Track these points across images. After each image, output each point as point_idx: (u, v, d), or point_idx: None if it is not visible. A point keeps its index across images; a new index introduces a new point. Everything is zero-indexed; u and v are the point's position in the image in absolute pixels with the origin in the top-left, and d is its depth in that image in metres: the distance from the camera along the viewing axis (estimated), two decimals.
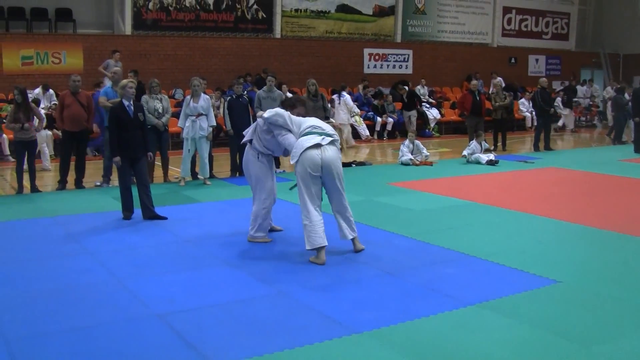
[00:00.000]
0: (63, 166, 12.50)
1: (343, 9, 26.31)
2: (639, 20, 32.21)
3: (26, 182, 12.20)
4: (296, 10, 25.34)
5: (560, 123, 26.32)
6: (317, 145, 7.51)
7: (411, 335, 5.29)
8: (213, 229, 9.13)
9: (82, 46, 21.16)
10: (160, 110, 12.93)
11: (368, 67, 26.81)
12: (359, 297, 6.21)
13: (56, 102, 16.01)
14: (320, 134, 7.63)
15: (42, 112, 15.56)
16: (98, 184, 12.89)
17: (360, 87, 24.72)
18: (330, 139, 7.65)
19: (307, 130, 7.69)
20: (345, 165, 15.29)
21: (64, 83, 17.46)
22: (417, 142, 15.94)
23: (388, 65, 27.35)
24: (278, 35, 24.96)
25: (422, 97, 25.55)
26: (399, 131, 22.97)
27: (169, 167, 13.54)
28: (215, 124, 13.26)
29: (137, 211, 9.95)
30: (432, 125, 23.94)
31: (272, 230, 8.81)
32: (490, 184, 13.09)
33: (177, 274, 7.05)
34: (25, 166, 12.16)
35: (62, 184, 12.48)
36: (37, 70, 20.44)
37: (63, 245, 8.31)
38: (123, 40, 21.93)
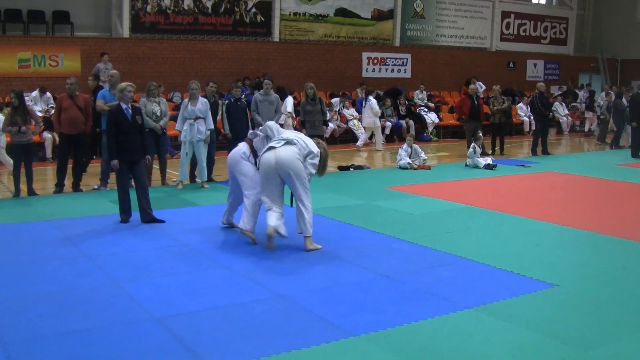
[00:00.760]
0: (60, 169, 12.47)
1: (342, 12, 26.32)
2: (638, 26, 32.32)
3: (23, 185, 12.18)
4: (295, 14, 25.34)
5: (586, 128, 26.44)
6: (271, 148, 8.19)
7: (409, 339, 5.29)
8: (211, 232, 9.13)
9: (80, 49, 21.13)
10: (158, 114, 12.93)
11: (367, 71, 26.81)
12: (357, 300, 6.21)
13: (53, 105, 16.00)
14: (281, 140, 8.27)
15: (39, 115, 15.53)
16: (96, 187, 12.88)
17: (359, 90, 24.72)
18: (284, 142, 8.22)
19: (276, 139, 8.35)
20: (343, 169, 15.43)
21: (62, 86, 17.40)
22: (415, 146, 15.94)
23: (387, 70, 27.35)
24: (277, 39, 24.96)
25: (420, 101, 25.59)
26: (397, 135, 22.98)
27: (167, 170, 13.53)
28: (213, 127, 13.24)
29: (135, 214, 9.94)
30: (430, 129, 23.96)
31: (231, 225, 9.29)
32: (488, 188, 13.11)
33: (175, 277, 7.05)
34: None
35: (59, 187, 12.46)
36: (35, 73, 20.40)
37: (61, 249, 8.30)
38: (121, 44, 21.93)
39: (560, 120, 26.67)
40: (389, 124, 22.72)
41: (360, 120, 22.24)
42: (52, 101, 18.40)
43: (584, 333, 5.41)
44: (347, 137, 22.34)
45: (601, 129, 23.70)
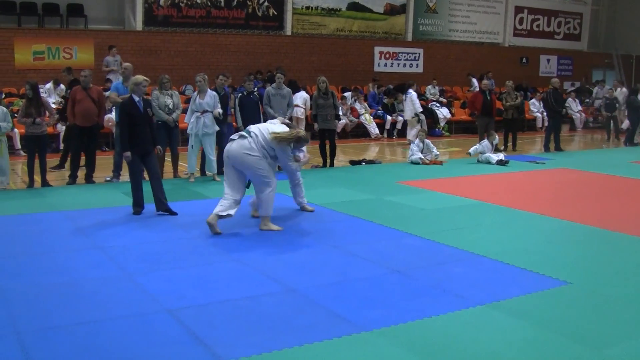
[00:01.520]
0: (74, 161, 12.52)
1: (354, 7, 26.31)
2: None
3: (37, 176, 12.24)
4: (307, 8, 25.34)
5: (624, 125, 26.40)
6: (230, 140, 8.92)
7: (420, 334, 5.29)
8: (222, 225, 9.12)
9: (93, 42, 21.21)
10: (170, 106, 12.95)
11: (378, 66, 26.80)
12: (368, 295, 6.21)
13: (65, 96, 16.05)
14: (239, 134, 8.95)
15: (53, 106, 15.58)
16: (108, 179, 12.92)
17: (371, 85, 24.70)
18: (242, 134, 8.83)
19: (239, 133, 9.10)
20: (354, 163, 15.43)
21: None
22: (427, 141, 15.92)
23: (399, 64, 27.33)
24: (289, 33, 24.97)
25: (432, 96, 25.55)
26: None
27: (179, 162, 13.56)
28: (221, 111, 13.17)
29: (148, 206, 9.98)
30: (442, 124, 23.93)
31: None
32: (500, 184, 13.07)
33: (186, 270, 7.06)
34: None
35: (72, 178, 12.51)
36: (49, 65, 20.49)
37: (73, 240, 8.34)
38: (134, 36, 21.99)
39: (574, 116, 26.57)
40: (400, 118, 22.68)
41: (372, 115, 22.26)
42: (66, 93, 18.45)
43: (597, 331, 5.39)
44: (358, 131, 22.35)
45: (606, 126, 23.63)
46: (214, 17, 23.47)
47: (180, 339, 5.17)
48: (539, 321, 5.57)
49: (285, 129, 8.96)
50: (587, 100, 28.75)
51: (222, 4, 23.54)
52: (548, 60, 31.87)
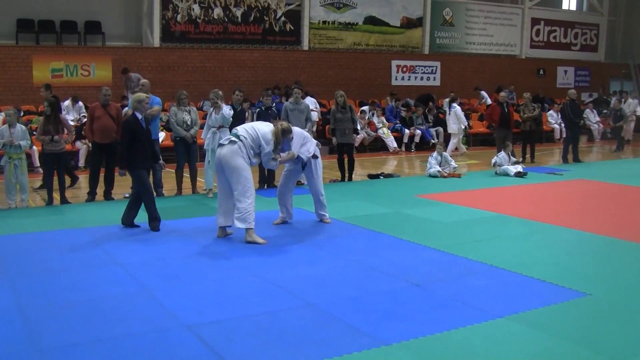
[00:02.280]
0: (93, 178, 12.58)
1: (371, 20, 26.38)
2: None
3: (56, 194, 12.30)
4: (324, 22, 25.42)
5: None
6: (220, 145, 9.14)
7: (440, 347, 5.27)
8: (241, 240, 9.14)
9: (111, 58, 21.37)
10: (188, 122, 13.01)
11: (396, 79, 26.83)
12: (387, 309, 6.20)
13: (85, 114, 16.16)
14: (229, 138, 9.10)
15: (72, 123, 15.70)
16: (127, 195, 12.95)
17: (388, 99, 24.71)
18: (232, 139, 8.96)
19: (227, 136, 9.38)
20: (373, 177, 15.43)
21: (93, 95, 17.66)
22: (445, 154, 15.90)
23: (416, 77, 27.35)
24: (306, 47, 25.04)
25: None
26: (427, 143, 22.95)
27: (197, 178, 13.59)
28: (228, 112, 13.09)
29: (165, 222, 10.01)
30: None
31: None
32: (518, 196, 13.02)
33: (205, 285, 7.07)
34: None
35: (91, 195, 12.57)
36: (67, 82, 20.65)
37: (92, 257, 8.37)
38: (151, 53, 22.13)
39: (592, 127, 26.46)
40: (418, 131, 22.67)
41: (389, 128, 22.27)
42: (84, 110, 18.59)
43: (617, 343, 5.35)
44: (376, 145, 22.34)
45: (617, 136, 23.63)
46: (231, 32, 23.59)
47: (200, 355, 5.18)
48: (558, 333, 5.54)
49: (271, 127, 9.16)
50: (605, 111, 28.60)
51: (239, 19, 23.66)
52: (565, 72, 31.78)
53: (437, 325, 5.74)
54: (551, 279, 7.10)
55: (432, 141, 22.64)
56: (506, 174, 15.51)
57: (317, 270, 7.67)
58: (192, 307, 6.28)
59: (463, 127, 20.51)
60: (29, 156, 15.33)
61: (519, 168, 15.65)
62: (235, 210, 8.94)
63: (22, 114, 18.21)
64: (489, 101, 26.02)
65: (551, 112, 25.79)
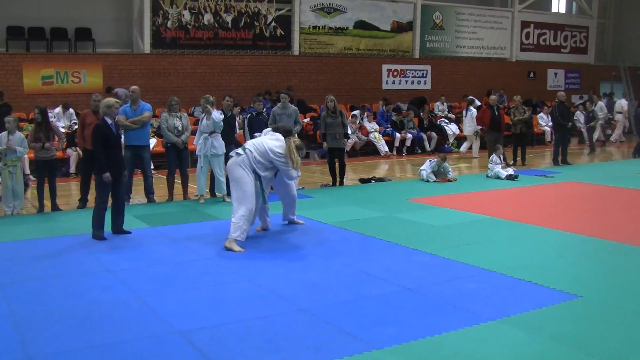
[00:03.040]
0: (84, 185, 12.55)
1: (361, 25, 26.38)
2: None
3: (47, 201, 12.28)
4: (314, 27, 25.43)
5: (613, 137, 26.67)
6: (230, 157, 9.49)
7: (432, 351, 5.28)
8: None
9: (102, 65, 21.33)
10: (179, 128, 13.00)
11: (387, 83, 26.84)
12: (380, 313, 6.21)
13: (76, 121, 16.14)
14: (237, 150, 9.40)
15: (62, 130, 15.68)
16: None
17: (381, 103, 24.72)
18: (238, 151, 9.30)
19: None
20: (364, 181, 15.43)
21: (84, 102, 17.61)
22: (446, 165, 15.65)
23: (407, 81, 27.37)
24: (296, 52, 25.05)
25: (441, 112, 25.58)
26: (418, 146, 22.98)
27: (189, 184, 13.58)
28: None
29: (156, 229, 10.00)
30: (451, 140, 23.91)
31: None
32: (510, 199, 13.06)
33: (198, 291, 7.07)
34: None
35: (82, 202, 12.54)
36: (58, 89, 20.60)
37: (84, 263, 8.36)
38: (142, 59, 22.10)
39: (582, 129, 26.51)
40: (409, 135, 22.70)
41: (381, 132, 22.29)
42: (75, 117, 18.56)
43: (609, 345, 5.37)
44: (367, 149, 22.35)
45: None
46: (222, 38, 23.57)
47: None
48: (551, 335, 5.56)
49: (281, 143, 9.20)
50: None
51: (230, 25, 23.64)
52: (555, 74, 31.85)
53: (429, 329, 5.75)
54: (542, 281, 7.12)
55: (427, 148, 22.78)
56: (498, 177, 15.54)
57: (310, 275, 7.67)
58: (185, 313, 6.28)
59: (476, 131, 20.60)
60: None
61: (510, 171, 15.67)
62: (232, 216, 9.09)
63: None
64: (477, 103, 26.10)
65: (541, 114, 25.86)
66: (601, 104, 25.55)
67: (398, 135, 22.69)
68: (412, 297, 6.72)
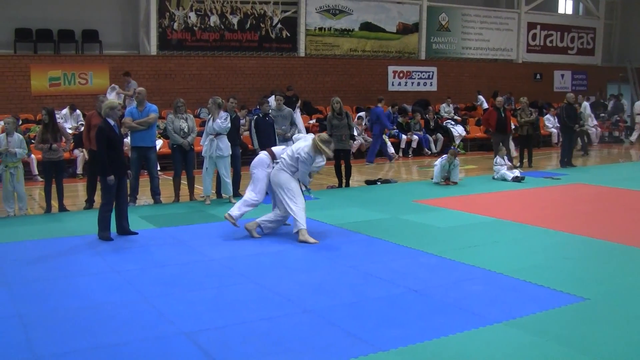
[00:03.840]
0: (90, 186, 12.58)
1: (367, 27, 26.38)
2: None
3: (54, 202, 12.31)
4: (320, 29, 25.44)
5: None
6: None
7: (437, 353, 5.28)
8: (238, 247, 9.17)
9: (109, 67, 21.37)
10: (185, 130, 13.02)
11: (392, 85, 26.83)
12: (385, 315, 6.21)
13: (83, 123, 16.19)
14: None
15: (69, 132, 15.73)
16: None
17: (390, 108, 24.67)
18: (276, 161, 9.98)
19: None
20: (370, 183, 15.43)
21: (91, 103, 17.70)
22: (456, 162, 15.46)
23: (413, 83, 27.35)
24: (302, 54, 25.06)
25: (447, 114, 25.56)
26: (427, 148, 22.96)
27: (195, 185, 13.60)
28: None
29: (165, 230, 10.01)
30: (457, 142, 23.89)
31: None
32: (516, 201, 13.04)
33: (203, 292, 7.08)
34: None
35: (89, 203, 12.57)
36: (65, 91, 20.66)
37: (91, 264, 8.38)
38: (148, 61, 22.14)
39: (589, 131, 26.47)
40: (415, 137, 22.69)
41: (387, 134, 22.27)
42: (82, 118, 18.62)
43: (614, 348, 5.36)
44: None
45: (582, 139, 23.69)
46: (228, 40, 23.60)
47: None
48: (556, 338, 5.55)
49: (308, 143, 9.65)
50: (603, 114, 28.66)
51: (236, 27, 23.68)
52: (562, 76, 31.79)
53: (434, 330, 5.75)
54: (548, 283, 7.11)
55: (434, 150, 22.80)
56: (504, 179, 15.51)
57: (315, 276, 7.68)
58: (190, 314, 6.29)
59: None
60: (27, 164, 15.36)
61: (517, 173, 15.65)
62: (291, 213, 9.61)
63: (20, 122, 18.20)
64: (486, 105, 26.08)
65: (548, 116, 25.82)
66: (586, 104, 25.28)
67: (404, 137, 22.68)
68: (417, 299, 6.72)
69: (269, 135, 13.66)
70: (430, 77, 27.76)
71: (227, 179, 12.96)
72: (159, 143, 17.73)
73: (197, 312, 6.38)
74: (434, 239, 9.55)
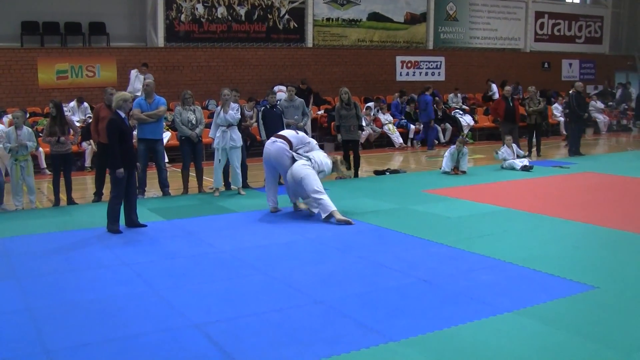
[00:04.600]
0: (99, 178, 12.59)
1: (375, 17, 26.33)
2: None
3: (62, 195, 12.33)
4: (328, 20, 25.40)
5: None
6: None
7: (448, 343, 5.27)
8: (248, 238, 9.17)
9: (116, 59, 21.38)
10: (193, 122, 13.02)
11: (400, 75, 26.79)
12: (396, 305, 6.19)
13: (91, 115, 16.20)
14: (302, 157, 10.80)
15: (77, 124, 15.74)
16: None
17: (396, 95, 24.66)
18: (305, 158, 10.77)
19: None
20: (379, 173, 15.42)
21: (99, 96, 17.70)
22: (465, 150, 15.50)
23: (420, 73, 27.30)
24: (310, 45, 25.03)
25: (455, 104, 25.51)
26: (435, 138, 22.92)
27: (203, 177, 13.60)
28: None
29: (174, 222, 10.02)
30: (465, 132, 23.84)
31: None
32: (525, 190, 13.00)
33: (213, 284, 7.08)
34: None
35: (97, 196, 12.58)
36: (72, 84, 20.68)
37: (100, 257, 8.38)
38: (156, 53, 22.14)
39: (598, 120, 26.41)
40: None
41: (395, 124, 22.26)
42: (89, 111, 18.64)
43: (626, 336, 5.34)
44: (382, 141, 22.34)
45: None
46: (235, 31, 23.58)
47: (208, 354, 5.19)
48: (567, 326, 5.53)
49: (328, 160, 10.95)
50: (611, 103, 28.56)
51: (243, 18, 23.65)
52: (570, 65, 31.69)
53: (445, 320, 5.73)
54: (559, 272, 7.09)
55: (442, 140, 22.76)
56: (512, 168, 15.48)
57: (325, 267, 7.67)
58: (200, 306, 6.29)
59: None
60: (35, 158, 15.37)
61: (525, 162, 15.61)
62: (315, 203, 10.24)
63: (28, 115, 18.22)
64: (497, 95, 26.00)
65: (556, 105, 25.75)
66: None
67: (412, 126, 22.65)
68: (427, 289, 6.71)
69: (276, 126, 13.67)
70: (438, 67, 27.71)
71: (239, 170, 12.97)
72: (167, 135, 17.75)
73: (207, 304, 6.38)
74: (444, 229, 9.53)
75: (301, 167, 10.42)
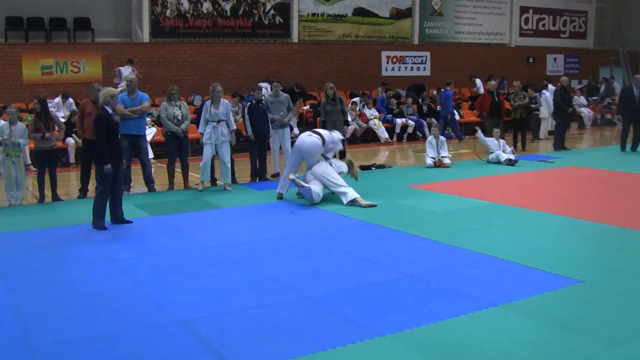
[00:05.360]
0: (84, 175, 12.54)
1: (360, 12, 26.31)
2: None
3: (47, 191, 12.27)
4: (313, 15, 25.36)
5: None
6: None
7: (434, 337, 5.28)
8: (234, 234, 9.16)
9: (101, 55, 21.28)
10: (179, 117, 12.98)
11: (386, 70, 26.78)
12: (382, 300, 6.20)
13: (76, 111, 16.12)
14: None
15: (62, 120, 15.66)
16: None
17: (379, 89, 24.65)
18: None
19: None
20: (365, 168, 15.42)
21: (84, 92, 17.59)
22: (442, 138, 15.79)
23: (406, 68, 27.31)
24: (296, 40, 24.99)
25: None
26: (421, 132, 22.92)
27: (189, 173, 13.57)
28: (235, 127, 13.33)
29: (160, 218, 9.99)
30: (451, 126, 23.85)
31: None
32: (510, 185, 13.04)
33: (199, 280, 7.07)
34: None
35: (83, 192, 12.53)
36: (57, 79, 20.57)
37: (85, 253, 8.36)
38: (141, 48, 22.05)
39: (582, 114, 26.50)
40: (411, 122, 22.67)
41: (380, 119, 22.26)
42: (74, 107, 18.54)
43: (610, 329, 5.37)
44: (368, 136, 22.32)
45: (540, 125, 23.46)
46: (221, 26, 23.51)
47: (194, 350, 5.18)
48: (552, 320, 5.55)
49: (343, 164, 12.07)
50: (595, 97, 28.67)
51: (229, 13, 23.59)
52: (555, 59, 31.76)
53: (431, 315, 5.75)
54: (544, 266, 7.11)
55: (428, 135, 22.70)
56: (498, 161, 15.50)
57: (311, 262, 7.67)
58: (186, 302, 6.28)
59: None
60: None
61: (511, 155, 15.63)
62: (340, 194, 11.15)
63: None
64: (482, 90, 26.03)
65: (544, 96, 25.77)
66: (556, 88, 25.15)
67: (398, 121, 22.65)
68: (414, 284, 6.72)
69: (262, 121, 13.69)
70: (424, 62, 27.72)
71: (229, 164, 12.95)
72: (153, 131, 17.69)
73: (193, 300, 6.37)
74: (430, 223, 9.55)
75: (326, 165, 11.57)
